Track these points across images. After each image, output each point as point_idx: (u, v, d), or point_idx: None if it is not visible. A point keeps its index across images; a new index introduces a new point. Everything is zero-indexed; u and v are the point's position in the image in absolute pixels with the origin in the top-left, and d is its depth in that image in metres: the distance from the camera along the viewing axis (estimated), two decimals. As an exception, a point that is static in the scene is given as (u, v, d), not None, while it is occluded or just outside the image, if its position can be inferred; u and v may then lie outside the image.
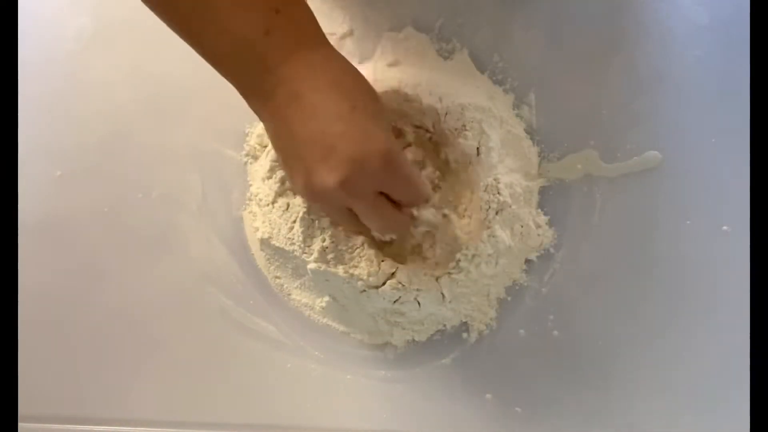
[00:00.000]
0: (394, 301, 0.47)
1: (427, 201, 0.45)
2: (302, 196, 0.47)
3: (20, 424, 0.47)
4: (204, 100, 0.56)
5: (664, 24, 0.52)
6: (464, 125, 0.48)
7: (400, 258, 0.48)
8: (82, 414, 0.51)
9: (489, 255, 0.46)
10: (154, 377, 0.51)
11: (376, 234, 0.47)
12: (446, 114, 0.48)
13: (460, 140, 0.48)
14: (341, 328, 0.50)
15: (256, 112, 0.41)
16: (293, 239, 0.48)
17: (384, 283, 0.46)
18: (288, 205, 0.49)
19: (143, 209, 0.55)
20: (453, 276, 0.46)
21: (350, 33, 0.55)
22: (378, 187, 0.40)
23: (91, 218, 0.55)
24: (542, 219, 0.49)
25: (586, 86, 0.51)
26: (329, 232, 0.47)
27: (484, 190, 0.47)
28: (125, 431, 0.50)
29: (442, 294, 0.47)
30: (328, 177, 0.39)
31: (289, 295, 0.51)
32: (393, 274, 0.46)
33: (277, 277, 0.52)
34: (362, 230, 0.46)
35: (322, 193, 0.40)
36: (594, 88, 0.51)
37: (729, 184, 0.48)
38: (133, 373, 0.51)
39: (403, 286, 0.46)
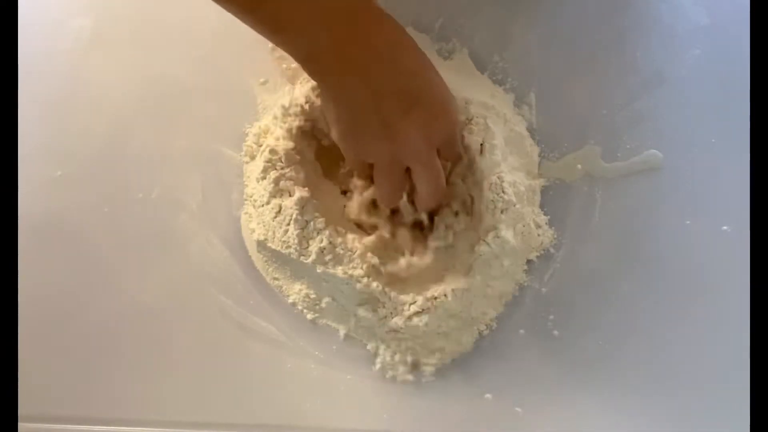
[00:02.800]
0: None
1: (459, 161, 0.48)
2: (366, 154, 0.46)
3: (20, 424, 0.47)
4: (204, 100, 0.56)
5: (664, 24, 0.52)
6: (468, 118, 0.48)
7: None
8: (82, 414, 0.51)
9: (496, 257, 0.46)
10: (154, 377, 0.51)
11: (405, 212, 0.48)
12: None
13: (465, 134, 0.48)
14: (341, 328, 0.50)
15: (321, 73, 0.43)
16: (288, 242, 0.48)
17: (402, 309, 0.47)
18: (280, 207, 0.49)
19: (143, 209, 0.55)
20: (465, 288, 0.46)
21: (350, 33, 0.55)
22: (443, 140, 0.44)
23: (91, 218, 0.55)
24: (542, 219, 0.49)
25: (586, 86, 0.51)
26: (327, 233, 0.47)
27: (489, 189, 0.47)
28: (125, 431, 0.50)
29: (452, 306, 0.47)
30: (411, 128, 0.42)
31: (288, 296, 0.51)
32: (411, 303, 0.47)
33: (275, 278, 0.52)
34: (396, 197, 0.47)
35: (396, 145, 0.42)
36: (594, 88, 0.51)
37: (729, 184, 0.48)
38: (133, 373, 0.51)
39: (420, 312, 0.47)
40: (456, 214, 0.49)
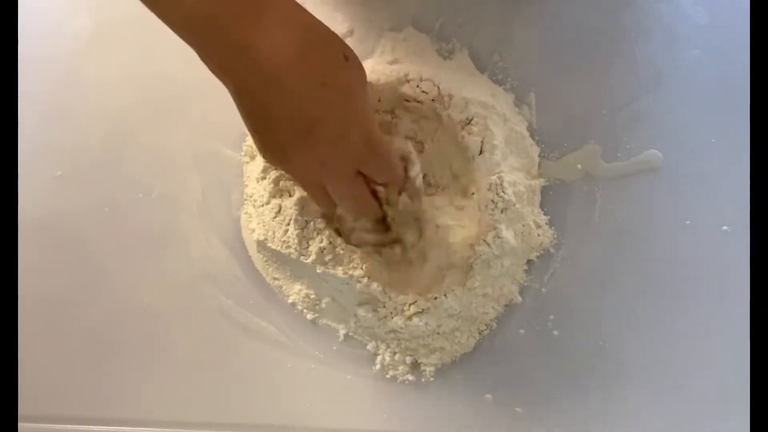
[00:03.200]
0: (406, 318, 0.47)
1: (400, 179, 0.43)
2: (279, 170, 0.46)
3: (20, 424, 0.47)
4: (204, 100, 0.56)
5: (664, 24, 0.52)
6: (468, 118, 0.48)
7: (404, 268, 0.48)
8: (82, 414, 0.51)
9: (496, 257, 0.46)
10: (154, 377, 0.51)
11: (344, 215, 0.46)
12: (451, 99, 0.48)
13: (464, 134, 0.47)
14: (341, 328, 0.50)
15: (223, 82, 0.38)
16: (288, 242, 0.48)
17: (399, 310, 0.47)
18: (280, 207, 0.49)
19: (143, 209, 0.55)
20: (465, 288, 0.46)
21: (350, 33, 0.55)
22: (357, 167, 0.40)
23: (91, 218, 0.55)
24: (542, 219, 0.49)
25: (586, 86, 0.51)
26: (327, 233, 0.47)
27: (489, 189, 0.46)
28: (125, 431, 0.50)
29: (452, 307, 0.47)
30: (307, 156, 0.38)
31: (288, 296, 0.51)
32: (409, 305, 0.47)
33: (275, 279, 0.52)
34: (332, 210, 0.46)
35: (299, 172, 0.40)
36: (594, 88, 0.51)
37: (729, 184, 0.48)
38: (133, 373, 0.51)
39: (420, 312, 0.46)
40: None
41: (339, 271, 0.47)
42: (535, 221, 0.49)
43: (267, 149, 0.40)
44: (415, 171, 0.44)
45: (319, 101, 0.37)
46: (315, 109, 0.37)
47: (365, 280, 0.46)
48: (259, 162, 0.51)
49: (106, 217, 0.55)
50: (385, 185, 0.43)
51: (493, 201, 0.46)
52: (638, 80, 0.51)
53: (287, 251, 0.48)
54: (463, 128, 0.48)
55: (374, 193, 0.43)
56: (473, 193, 0.48)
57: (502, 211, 0.46)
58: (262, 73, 0.36)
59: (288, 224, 0.48)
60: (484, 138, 0.48)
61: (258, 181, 0.51)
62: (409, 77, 0.49)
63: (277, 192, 0.49)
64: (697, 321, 0.46)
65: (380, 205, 0.44)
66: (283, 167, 0.41)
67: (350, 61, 0.39)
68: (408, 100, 0.49)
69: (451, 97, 0.49)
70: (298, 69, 0.36)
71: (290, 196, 0.49)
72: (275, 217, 0.49)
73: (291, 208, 0.48)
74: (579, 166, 0.50)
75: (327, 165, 0.39)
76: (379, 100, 0.50)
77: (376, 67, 0.51)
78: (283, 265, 0.51)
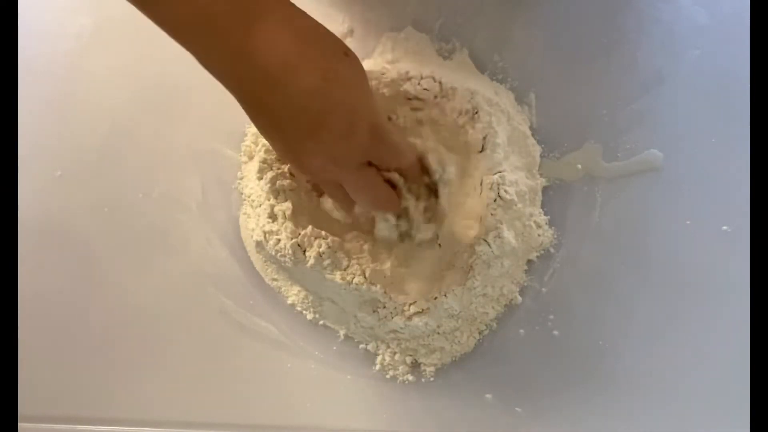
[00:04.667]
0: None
1: (412, 164, 0.45)
2: (299, 172, 0.46)
3: (20, 424, 0.47)
4: (204, 100, 0.56)
5: (664, 24, 0.52)
6: (474, 108, 0.48)
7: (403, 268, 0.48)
8: (82, 414, 0.51)
9: (496, 257, 0.46)
10: (154, 377, 0.51)
11: (361, 215, 0.48)
12: (454, 92, 0.48)
13: (468, 128, 0.47)
14: (341, 329, 0.50)
15: (226, 86, 0.38)
16: (282, 251, 0.48)
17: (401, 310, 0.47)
18: (276, 212, 0.49)
19: (143, 209, 0.55)
20: (465, 288, 0.46)
21: (350, 33, 0.55)
22: (366, 158, 0.41)
23: (91, 218, 0.55)
24: (542, 219, 0.49)
25: (587, 86, 0.51)
26: (328, 239, 0.47)
27: (490, 188, 0.46)
28: (125, 431, 0.50)
29: (452, 307, 0.47)
30: (315, 154, 0.38)
31: (288, 297, 0.51)
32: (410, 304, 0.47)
33: (275, 279, 0.52)
34: (352, 207, 0.47)
35: (310, 169, 0.40)
36: (594, 88, 0.51)
37: (729, 184, 0.48)
38: (133, 373, 0.51)
39: (421, 311, 0.46)
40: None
41: (337, 276, 0.46)
42: (535, 221, 0.49)
43: (280, 151, 0.41)
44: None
45: (323, 97, 0.37)
46: (320, 104, 0.37)
47: (364, 286, 0.46)
48: (257, 162, 0.51)
49: (106, 217, 0.55)
50: (400, 173, 0.45)
51: (494, 200, 0.46)
52: (638, 80, 0.51)
53: (282, 259, 0.48)
54: (466, 123, 0.48)
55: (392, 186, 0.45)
56: (480, 192, 0.48)
57: (504, 211, 0.46)
58: (264, 77, 0.36)
59: (281, 234, 0.48)
60: (486, 135, 0.47)
61: (256, 181, 0.51)
62: (410, 75, 0.49)
63: (274, 192, 0.49)
64: (697, 321, 0.46)
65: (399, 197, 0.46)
66: (299, 167, 0.41)
67: (350, 56, 0.39)
68: (410, 98, 0.49)
69: (454, 90, 0.49)
70: (299, 68, 0.36)
71: (286, 199, 0.49)
72: (272, 222, 0.49)
73: (285, 219, 0.48)
74: (579, 166, 0.50)
75: (337, 160, 0.39)
76: (382, 97, 0.50)
77: (376, 67, 0.51)
78: (282, 267, 0.51)
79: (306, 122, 0.37)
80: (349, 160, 0.40)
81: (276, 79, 0.36)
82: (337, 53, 0.38)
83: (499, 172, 0.47)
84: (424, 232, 0.48)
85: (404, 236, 0.49)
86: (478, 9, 0.54)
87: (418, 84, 0.49)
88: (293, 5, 0.38)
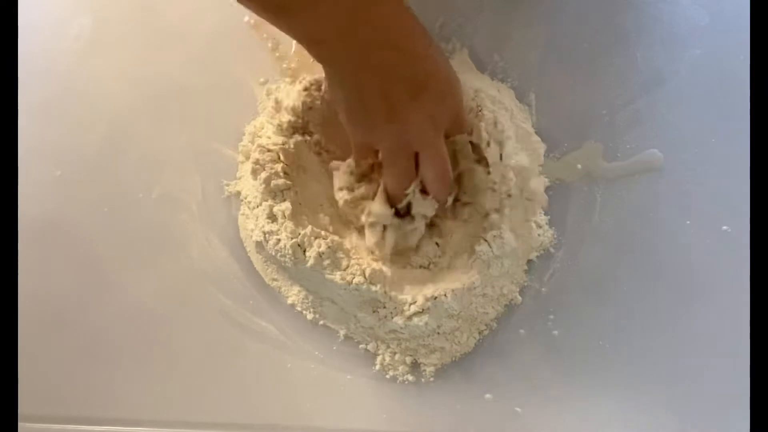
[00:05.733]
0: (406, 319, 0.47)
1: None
2: (372, 139, 0.46)
3: (20, 424, 0.47)
4: (203, 100, 0.56)
5: (664, 24, 0.52)
6: (478, 106, 0.48)
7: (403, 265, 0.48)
8: (82, 414, 0.51)
9: (496, 257, 0.46)
10: (154, 377, 0.51)
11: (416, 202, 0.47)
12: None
13: (476, 122, 0.47)
14: (341, 329, 0.50)
15: (328, 56, 0.43)
16: (282, 251, 0.48)
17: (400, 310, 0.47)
18: (273, 212, 0.48)
19: (143, 209, 0.55)
20: (465, 288, 0.46)
21: (350, 33, 0.55)
22: (451, 123, 0.45)
23: (91, 218, 0.55)
24: (542, 219, 0.49)
25: (587, 86, 0.51)
26: (329, 239, 0.47)
27: (493, 187, 0.46)
28: (125, 431, 0.50)
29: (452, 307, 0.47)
30: (418, 112, 0.42)
31: (288, 297, 0.51)
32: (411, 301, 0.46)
33: (274, 279, 0.52)
34: (405, 183, 0.46)
35: (403, 129, 0.43)
36: (594, 88, 0.51)
37: (729, 184, 0.48)
38: (133, 373, 0.51)
39: (420, 311, 0.46)
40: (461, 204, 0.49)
41: (337, 276, 0.46)
42: (535, 221, 0.49)
43: (370, 112, 0.43)
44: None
45: (430, 61, 0.43)
46: (428, 67, 0.43)
47: (364, 286, 0.46)
48: (251, 162, 0.51)
49: (106, 217, 0.55)
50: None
51: (498, 200, 0.46)
52: (638, 80, 0.51)
53: (282, 259, 0.48)
54: (474, 117, 0.48)
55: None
56: (489, 190, 0.48)
57: (506, 210, 0.46)
58: (386, 41, 0.41)
59: (281, 235, 0.48)
60: (492, 132, 0.47)
61: (252, 182, 0.51)
62: None
63: (269, 192, 0.49)
64: (697, 321, 0.46)
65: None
66: (385, 131, 0.44)
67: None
68: None
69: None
70: (411, 36, 0.43)
71: (283, 199, 0.49)
72: (270, 222, 0.49)
73: (283, 219, 0.48)
74: (579, 166, 0.50)
75: (434, 119, 0.43)
76: None
77: None
78: (282, 267, 0.51)
79: (412, 83, 0.42)
80: (441, 122, 0.44)
81: (394, 42, 0.41)
82: (429, 33, 0.44)
83: (504, 171, 0.47)
84: (424, 207, 0.47)
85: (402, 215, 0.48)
86: (478, 9, 0.54)
87: None
88: None
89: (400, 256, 0.49)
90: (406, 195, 0.46)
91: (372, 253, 0.48)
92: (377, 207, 0.47)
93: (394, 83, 0.42)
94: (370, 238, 0.47)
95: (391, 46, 0.41)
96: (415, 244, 0.49)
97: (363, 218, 0.48)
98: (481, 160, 0.48)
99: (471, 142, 0.47)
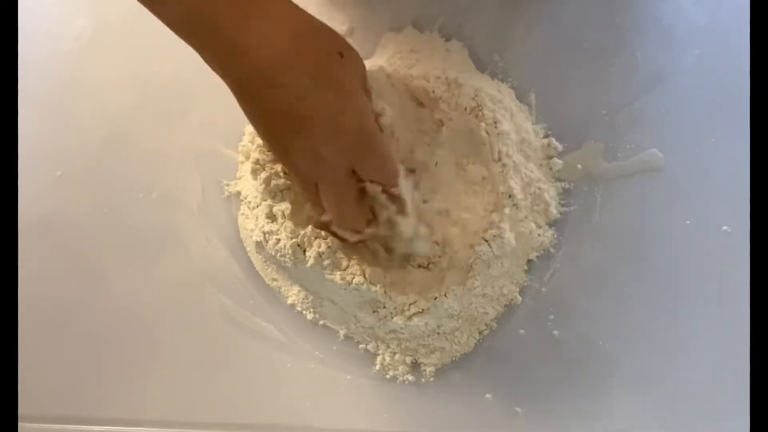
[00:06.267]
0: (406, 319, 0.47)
1: (395, 181, 0.42)
2: (268, 169, 0.46)
3: (20, 424, 0.47)
4: (203, 100, 0.56)
5: (664, 24, 0.52)
6: (479, 105, 0.48)
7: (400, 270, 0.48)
8: (82, 414, 0.51)
9: (496, 257, 0.46)
10: (154, 377, 0.51)
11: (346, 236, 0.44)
12: (459, 87, 0.48)
13: (477, 122, 0.47)
14: (341, 329, 0.50)
15: (226, 82, 0.39)
16: (282, 251, 0.48)
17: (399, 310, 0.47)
18: (273, 213, 0.48)
19: (143, 209, 0.55)
20: (465, 288, 0.46)
21: (350, 33, 0.55)
22: (351, 162, 0.40)
23: (91, 218, 0.55)
24: (542, 219, 0.49)
25: (587, 86, 0.51)
26: (328, 239, 0.47)
27: (494, 187, 0.46)
28: (125, 431, 0.50)
29: (452, 307, 0.47)
30: (303, 151, 0.39)
31: (288, 297, 0.51)
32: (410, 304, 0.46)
33: (274, 279, 0.52)
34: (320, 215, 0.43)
35: (296, 167, 0.40)
36: (594, 88, 0.51)
37: (729, 184, 0.48)
38: (133, 373, 0.51)
39: (421, 311, 0.46)
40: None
41: (337, 276, 0.46)
42: (535, 221, 0.49)
43: (268, 144, 0.41)
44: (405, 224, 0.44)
45: (311, 98, 0.38)
46: (307, 105, 0.38)
47: (364, 286, 0.46)
48: (251, 162, 0.51)
49: (106, 217, 0.55)
50: (382, 184, 0.42)
51: (500, 200, 0.46)
52: (638, 80, 0.51)
53: (282, 259, 0.48)
54: (473, 116, 0.48)
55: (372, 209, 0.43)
56: (489, 189, 0.48)
57: (507, 209, 0.46)
58: (257, 75, 0.37)
59: (280, 234, 0.48)
60: (491, 131, 0.47)
61: (252, 182, 0.51)
62: (415, 73, 0.49)
63: (269, 192, 0.49)
64: (697, 321, 0.46)
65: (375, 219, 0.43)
66: (284, 162, 0.42)
67: (346, 57, 0.39)
68: (413, 96, 0.49)
69: (459, 85, 0.49)
70: (291, 66, 0.37)
71: (283, 198, 0.48)
72: (270, 222, 0.49)
73: (283, 219, 0.48)
74: (579, 166, 0.50)
75: (322, 160, 0.39)
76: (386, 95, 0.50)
77: (374, 67, 0.51)
78: (282, 267, 0.51)
79: (294, 121, 0.38)
80: (333, 162, 0.39)
81: (268, 78, 0.37)
82: (331, 53, 0.39)
83: (505, 171, 0.47)
84: (404, 226, 0.45)
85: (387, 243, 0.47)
86: (478, 9, 0.54)
87: (427, 81, 0.49)
88: (290, 2, 0.39)
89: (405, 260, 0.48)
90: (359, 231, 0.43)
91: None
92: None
93: (273, 119, 0.39)
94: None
95: (266, 79, 0.37)
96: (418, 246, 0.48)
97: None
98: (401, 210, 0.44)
99: (390, 193, 0.43)
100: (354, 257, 0.47)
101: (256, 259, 0.52)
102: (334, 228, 0.42)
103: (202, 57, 0.39)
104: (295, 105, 0.38)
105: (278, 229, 0.48)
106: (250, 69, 0.37)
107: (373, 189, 0.42)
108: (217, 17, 0.36)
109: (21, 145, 0.56)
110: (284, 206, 0.48)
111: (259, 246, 0.50)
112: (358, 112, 0.39)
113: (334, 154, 0.39)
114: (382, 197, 0.43)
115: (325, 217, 0.42)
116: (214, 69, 0.39)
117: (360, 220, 0.43)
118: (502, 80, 0.52)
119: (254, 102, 0.39)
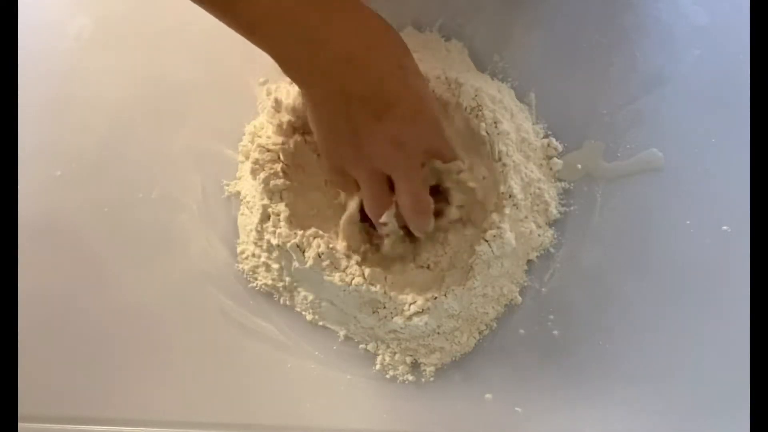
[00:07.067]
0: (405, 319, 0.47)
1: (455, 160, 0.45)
2: (342, 163, 0.44)
3: (20, 424, 0.47)
4: (203, 100, 0.56)
5: (664, 24, 0.52)
6: (479, 105, 0.48)
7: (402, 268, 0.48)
8: (82, 414, 0.51)
9: (496, 257, 0.46)
10: (154, 377, 0.51)
11: (387, 224, 0.44)
12: (460, 87, 0.48)
13: (477, 122, 0.47)
14: (341, 330, 0.50)
15: (296, 78, 0.41)
16: (277, 260, 0.48)
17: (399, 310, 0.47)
18: (270, 215, 0.48)
19: (143, 209, 0.55)
20: (465, 288, 0.46)
21: (350, 33, 0.55)
22: (425, 148, 0.42)
23: (91, 218, 0.55)
24: (542, 219, 0.49)
25: (587, 86, 0.51)
26: (325, 238, 0.47)
27: (494, 187, 0.46)
28: (125, 431, 0.50)
29: (452, 307, 0.47)
30: (382, 135, 0.39)
31: (287, 297, 0.51)
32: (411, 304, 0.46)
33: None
34: (379, 211, 0.44)
35: (369, 154, 0.40)
36: (594, 88, 0.51)
37: (729, 184, 0.48)
38: (132, 373, 0.51)
39: (420, 311, 0.46)
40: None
41: (336, 277, 0.46)
42: (535, 221, 0.49)
43: (337, 136, 0.41)
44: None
45: (398, 80, 0.40)
46: (394, 87, 0.39)
47: (364, 287, 0.46)
48: (250, 162, 0.51)
49: (106, 217, 0.55)
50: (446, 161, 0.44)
51: (501, 200, 0.46)
52: (638, 80, 0.51)
53: (277, 266, 0.48)
54: (474, 116, 0.48)
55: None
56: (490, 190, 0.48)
57: (507, 209, 0.46)
58: (346, 59, 0.39)
59: (277, 236, 0.48)
60: (491, 131, 0.47)
61: (252, 182, 0.51)
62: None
63: (268, 193, 0.48)
64: (697, 321, 0.46)
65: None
66: (352, 155, 0.41)
67: (410, 54, 0.42)
68: None
69: (459, 84, 0.49)
70: (378, 52, 0.39)
71: (281, 199, 0.48)
72: (268, 224, 0.48)
73: (281, 223, 0.48)
74: (579, 166, 0.50)
75: (402, 145, 0.40)
76: None
77: None
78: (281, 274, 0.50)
79: (377, 104, 0.39)
80: (413, 146, 0.40)
81: (357, 62, 0.39)
82: (405, 47, 0.41)
83: (506, 171, 0.47)
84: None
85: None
86: (478, 9, 0.54)
87: (427, 81, 0.49)
88: (365, 5, 0.41)
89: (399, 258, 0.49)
90: (386, 224, 0.44)
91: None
92: (346, 217, 0.47)
93: (356, 103, 0.39)
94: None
95: (354, 62, 0.39)
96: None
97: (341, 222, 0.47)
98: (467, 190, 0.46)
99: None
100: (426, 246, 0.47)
101: (256, 259, 0.52)
102: (411, 217, 0.43)
103: (276, 54, 0.39)
104: (382, 87, 0.39)
105: (277, 233, 0.48)
106: (337, 51, 0.38)
107: (456, 166, 0.44)
108: (300, 11, 0.38)
109: (21, 145, 0.56)
110: (282, 207, 0.48)
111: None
112: (433, 101, 0.42)
113: (415, 139, 0.40)
114: (458, 176, 0.44)
115: (409, 212, 0.43)
116: (289, 63, 0.40)
117: (430, 206, 0.44)
118: (502, 80, 0.52)
119: (333, 92, 0.39)
